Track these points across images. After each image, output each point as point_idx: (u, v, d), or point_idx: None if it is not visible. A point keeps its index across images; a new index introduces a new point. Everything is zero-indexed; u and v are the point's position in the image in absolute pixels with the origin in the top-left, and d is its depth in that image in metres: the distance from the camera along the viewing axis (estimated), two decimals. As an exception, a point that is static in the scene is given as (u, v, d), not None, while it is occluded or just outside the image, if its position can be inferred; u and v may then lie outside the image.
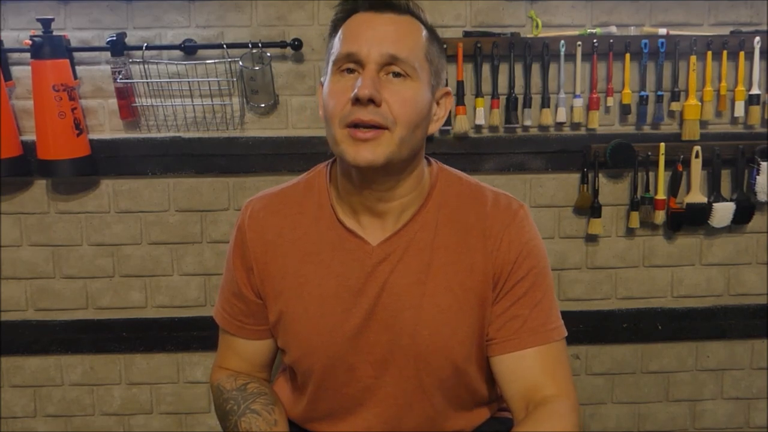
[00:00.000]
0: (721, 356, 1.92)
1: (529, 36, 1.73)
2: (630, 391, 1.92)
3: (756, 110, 1.77)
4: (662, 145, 1.76)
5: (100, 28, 1.71)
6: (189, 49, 1.70)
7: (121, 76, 1.69)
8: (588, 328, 1.87)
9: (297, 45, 1.70)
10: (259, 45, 1.68)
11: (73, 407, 1.87)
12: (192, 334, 1.83)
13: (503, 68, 1.74)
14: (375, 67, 0.95)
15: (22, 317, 1.83)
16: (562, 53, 1.72)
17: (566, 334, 1.07)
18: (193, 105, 1.74)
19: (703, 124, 1.79)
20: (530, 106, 1.75)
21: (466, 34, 1.73)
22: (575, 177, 1.81)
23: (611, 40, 1.72)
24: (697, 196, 1.79)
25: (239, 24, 1.72)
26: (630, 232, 1.84)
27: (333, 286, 1.05)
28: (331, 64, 0.99)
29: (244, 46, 1.68)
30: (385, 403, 1.07)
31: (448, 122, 1.73)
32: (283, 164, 1.77)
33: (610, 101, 1.76)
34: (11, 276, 1.81)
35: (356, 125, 0.94)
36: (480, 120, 1.74)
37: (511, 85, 1.74)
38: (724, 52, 1.74)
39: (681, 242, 1.86)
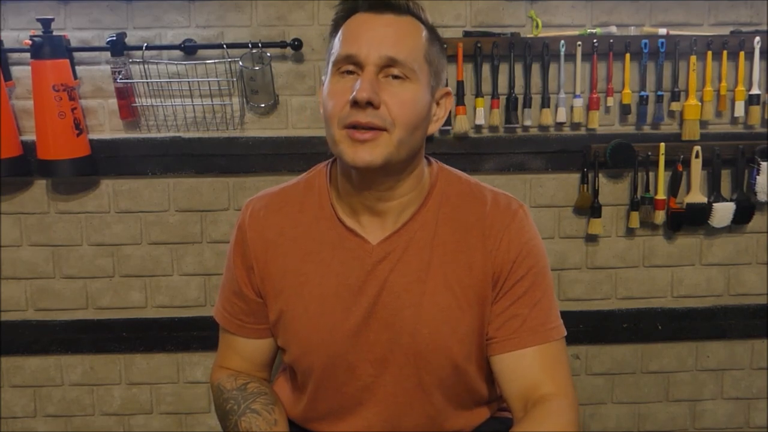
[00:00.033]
0: (721, 356, 1.92)
1: (529, 36, 1.73)
2: (630, 391, 1.92)
3: (756, 110, 1.77)
4: (662, 145, 1.76)
5: (100, 28, 1.71)
6: (189, 49, 1.70)
7: (121, 76, 1.69)
8: (588, 328, 1.87)
9: (297, 45, 1.70)
10: (259, 45, 1.68)
11: (73, 407, 1.87)
12: (192, 334, 1.83)
13: (503, 68, 1.74)
14: (374, 69, 0.95)
15: (22, 317, 1.83)
16: (562, 53, 1.72)
17: (565, 333, 1.07)
18: (193, 105, 1.74)
19: (703, 124, 1.79)
20: (530, 106, 1.75)
21: (466, 34, 1.73)
22: (575, 177, 1.81)
23: (611, 40, 1.72)
24: (697, 196, 1.79)
25: (239, 24, 1.72)
26: (630, 232, 1.84)
27: (333, 285, 1.05)
28: (331, 64, 1.00)
29: (244, 46, 1.68)
30: (385, 402, 1.07)
31: (448, 122, 1.73)
32: (283, 164, 1.77)
33: (610, 101, 1.76)
34: (11, 276, 1.81)
35: (355, 127, 0.95)
36: (480, 120, 1.74)
37: (511, 85, 1.74)
38: (724, 52, 1.74)
39: (681, 242, 1.86)
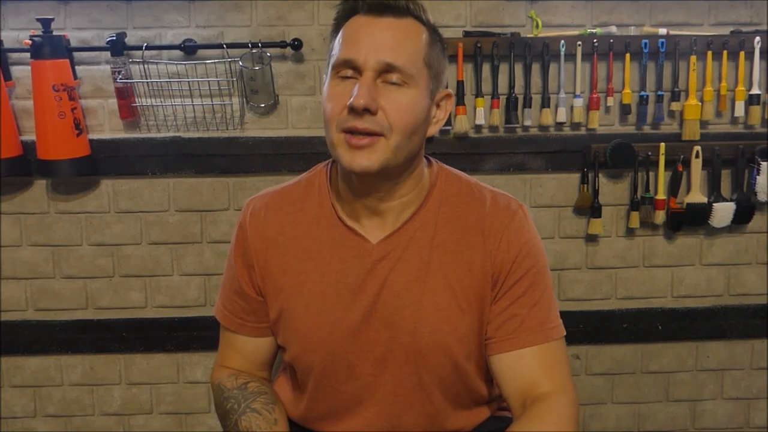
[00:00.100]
0: (721, 356, 1.92)
1: (529, 36, 1.73)
2: (630, 391, 1.92)
3: (756, 110, 1.77)
4: (662, 145, 1.76)
5: (100, 28, 1.72)
6: (189, 49, 1.70)
7: (121, 76, 1.69)
8: (588, 328, 1.87)
9: (297, 45, 1.70)
10: (259, 45, 1.68)
11: (73, 407, 1.87)
12: (192, 334, 1.83)
13: (503, 68, 1.74)
14: (372, 74, 0.95)
15: (22, 317, 1.83)
16: (562, 53, 1.72)
17: (565, 333, 1.07)
18: (193, 105, 1.74)
19: (703, 124, 1.79)
20: (530, 106, 1.75)
21: (466, 34, 1.73)
22: (575, 177, 1.81)
23: (611, 40, 1.72)
24: (697, 196, 1.79)
25: (239, 24, 1.72)
26: (630, 232, 1.84)
27: (333, 284, 1.05)
28: (330, 66, 1.00)
29: (244, 46, 1.68)
30: (385, 402, 1.08)
31: (448, 122, 1.73)
32: (283, 164, 1.77)
33: (610, 101, 1.76)
34: (11, 276, 1.81)
35: (352, 132, 0.95)
36: (480, 120, 1.74)
37: (511, 85, 1.74)
38: (724, 52, 1.74)
39: (681, 242, 1.86)
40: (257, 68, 1.71)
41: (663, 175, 1.77)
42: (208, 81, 1.72)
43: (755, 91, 1.76)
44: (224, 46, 1.69)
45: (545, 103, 1.74)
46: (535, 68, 1.75)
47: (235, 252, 1.12)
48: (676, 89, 1.76)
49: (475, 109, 1.74)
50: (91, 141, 1.72)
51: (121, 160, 1.76)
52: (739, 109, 1.77)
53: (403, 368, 1.06)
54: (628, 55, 1.73)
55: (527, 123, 1.75)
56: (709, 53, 1.74)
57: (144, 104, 1.74)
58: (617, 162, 1.75)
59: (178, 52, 1.71)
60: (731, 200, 1.80)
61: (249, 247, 1.10)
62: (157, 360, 1.86)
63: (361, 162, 0.95)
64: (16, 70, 1.73)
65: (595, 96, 1.75)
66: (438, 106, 1.05)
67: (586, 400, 1.92)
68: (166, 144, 1.76)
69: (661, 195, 1.79)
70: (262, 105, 1.75)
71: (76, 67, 1.71)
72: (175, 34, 1.72)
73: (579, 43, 1.71)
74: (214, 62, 1.72)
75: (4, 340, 1.82)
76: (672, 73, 1.76)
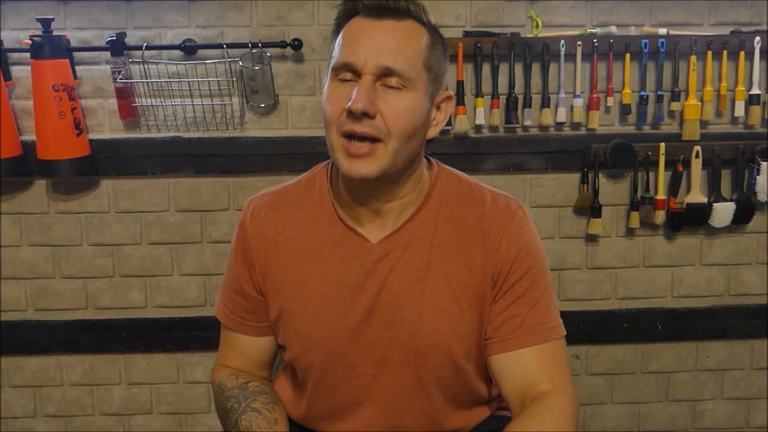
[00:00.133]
0: (721, 356, 1.92)
1: (529, 36, 1.73)
2: (630, 391, 1.92)
3: (756, 110, 1.77)
4: (662, 145, 1.76)
5: (100, 28, 1.72)
6: (189, 49, 1.70)
7: (121, 76, 1.69)
8: (588, 328, 1.87)
9: (297, 45, 1.70)
10: (259, 45, 1.68)
11: (73, 407, 1.87)
12: (192, 334, 1.83)
13: (503, 68, 1.74)
14: (371, 78, 0.95)
15: (22, 317, 1.83)
16: (562, 53, 1.72)
17: (565, 333, 1.07)
18: (193, 105, 1.74)
19: (703, 124, 1.79)
20: (530, 106, 1.75)
21: (466, 34, 1.73)
22: (575, 177, 1.81)
23: (611, 40, 1.72)
24: (697, 196, 1.79)
25: (239, 24, 1.72)
26: (630, 232, 1.84)
27: (333, 283, 1.06)
28: (330, 68, 1.00)
29: (244, 46, 1.68)
30: (385, 401, 1.08)
31: (448, 122, 1.73)
32: (283, 164, 1.77)
33: (610, 101, 1.76)
34: (11, 276, 1.81)
35: (350, 136, 0.95)
36: (480, 120, 1.74)
37: (511, 85, 1.74)
38: (724, 52, 1.74)
39: (681, 242, 1.86)
40: (257, 68, 1.71)
41: (663, 175, 1.77)
42: (208, 81, 1.72)
43: (755, 91, 1.76)
44: (224, 46, 1.69)
45: (545, 103, 1.74)
46: (535, 68, 1.75)
47: (236, 251, 1.12)
48: (676, 89, 1.76)
49: (475, 109, 1.74)
50: (91, 141, 1.72)
51: (121, 160, 1.76)
52: (739, 109, 1.77)
53: (403, 368, 1.06)
54: (628, 55, 1.73)
55: (527, 123, 1.75)
56: (709, 53, 1.74)
57: (144, 104, 1.74)
58: (617, 162, 1.75)
59: (178, 52, 1.71)
60: (731, 200, 1.80)
61: (249, 247, 1.10)
62: (157, 360, 1.86)
63: (360, 169, 0.96)
64: (16, 70, 1.73)
65: (595, 96, 1.75)
66: (438, 108, 1.05)
67: (586, 400, 1.92)
68: (166, 144, 1.76)
69: (661, 195, 1.79)
70: (262, 105, 1.75)
71: (76, 67, 1.71)
72: (175, 34, 1.72)
73: (579, 43, 1.71)
74: (214, 62, 1.72)
75: (4, 340, 1.82)
76: (672, 73, 1.76)
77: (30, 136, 1.71)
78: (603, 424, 1.94)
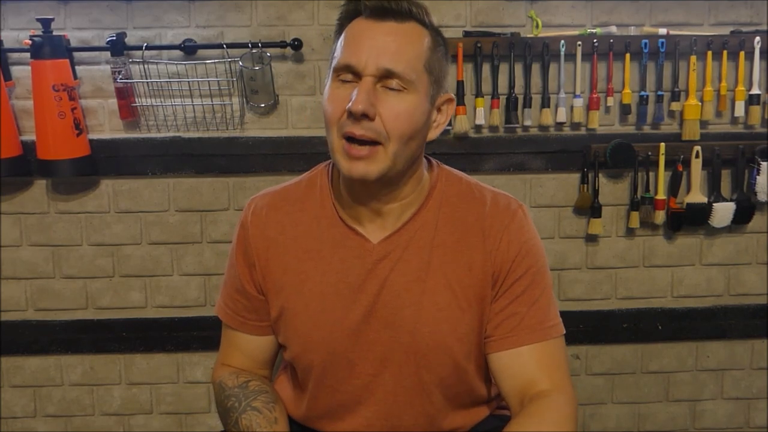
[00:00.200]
0: (721, 356, 1.92)
1: (529, 36, 1.73)
2: (630, 391, 1.92)
3: (756, 110, 1.77)
4: (662, 145, 1.76)
5: (100, 28, 1.72)
6: (189, 49, 1.70)
7: (121, 76, 1.69)
8: (588, 328, 1.87)
9: (297, 45, 1.70)
10: (259, 45, 1.68)
11: (73, 407, 1.87)
12: (192, 334, 1.83)
13: (503, 68, 1.74)
14: (371, 80, 0.95)
15: (22, 317, 1.83)
16: (562, 53, 1.72)
17: (564, 331, 1.07)
18: (193, 105, 1.74)
19: (703, 124, 1.79)
20: (530, 106, 1.75)
21: (466, 34, 1.73)
22: (575, 177, 1.81)
23: (611, 40, 1.72)
24: (697, 196, 1.79)
25: (239, 24, 1.73)
26: (630, 232, 1.84)
27: (333, 283, 1.06)
28: (331, 69, 1.00)
29: (244, 46, 1.68)
30: (385, 401, 1.08)
31: (448, 122, 1.73)
32: (283, 164, 1.77)
33: (610, 101, 1.76)
34: (11, 276, 1.81)
35: (350, 139, 0.96)
36: (480, 120, 1.74)
37: (511, 85, 1.74)
38: (724, 52, 1.74)
39: (681, 242, 1.86)
40: (257, 68, 1.71)
41: (663, 175, 1.77)
42: (208, 81, 1.73)
43: (755, 91, 1.76)
44: (224, 46, 1.69)
45: (545, 103, 1.74)
46: (535, 68, 1.75)
47: (237, 250, 1.12)
48: (676, 89, 1.76)
49: (475, 109, 1.74)
50: (91, 141, 1.72)
51: (121, 160, 1.76)
52: (739, 109, 1.77)
53: (403, 368, 1.06)
54: (628, 55, 1.73)
55: (527, 123, 1.75)
56: (709, 53, 1.74)
57: (144, 104, 1.74)
58: (617, 162, 1.75)
59: (178, 52, 1.71)
60: (731, 200, 1.80)
61: (250, 246, 1.10)
62: (157, 360, 1.86)
63: (359, 170, 0.96)
64: (16, 70, 1.73)
65: (595, 96, 1.75)
66: (439, 110, 1.05)
67: (586, 400, 1.92)
68: (166, 144, 1.76)
69: (661, 195, 1.79)
70: (262, 105, 1.75)
71: (76, 67, 1.72)
72: (175, 34, 1.72)
73: (579, 43, 1.71)
74: (214, 62, 1.72)
75: (4, 340, 1.82)
76: (672, 73, 1.76)
77: (30, 136, 1.71)
78: (603, 424, 1.94)
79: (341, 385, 1.08)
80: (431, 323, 1.04)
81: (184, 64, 1.71)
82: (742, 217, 1.80)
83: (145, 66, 1.70)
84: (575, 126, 1.79)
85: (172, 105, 1.74)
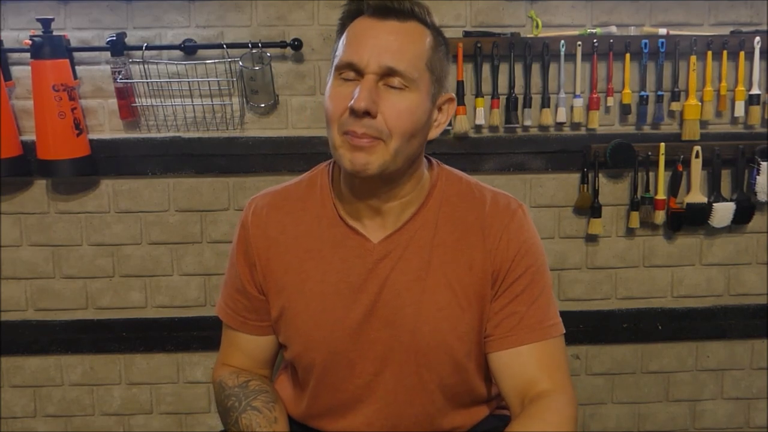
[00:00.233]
0: (721, 356, 1.92)
1: (529, 36, 1.73)
2: (630, 391, 1.93)
3: (756, 110, 1.77)
4: (662, 145, 1.76)
5: (100, 28, 1.72)
6: (189, 49, 1.70)
7: (121, 76, 1.69)
8: (588, 328, 1.87)
9: (297, 45, 1.70)
10: (259, 45, 1.68)
11: (73, 407, 1.87)
12: (192, 334, 1.83)
13: (503, 68, 1.74)
14: (373, 78, 0.95)
15: (22, 317, 1.83)
16: (562, 53, 1.72)
17: (564, 331, 1.07)
18: (193, 105, 1.74)
19: (703, 124, 1.79)
20: (530, 106, 1.75)
21: (466, 34, 1.73)
22: (575, 177, 1.81)
23: (611, 40, 1.72)
24: (697, 196, 1.79)
25: (239, 24, 1.73)
26: (630, 232, 1.84)
27: (334, 282, 1.06)
28: (333, 67, 1.00)
29: (244, 46, 1.68)
30: (385, 400, 1.08)
31: (448, 122, 1.73)
32: (283, 164, 1.77)
33: (610, 101, 1.76)
34: (11, 276, 1.81)
35: (352, 135, 0.96)
36: (480, 120, 1.74)
37: (511, 85, 1.74)
38: (724, 52, 1.74)
39: (681, 242, 1.86)
40: (257, 68, 1.71)
41: (663, 175, 1.77)
42: (208, 81, 1.73)
43: (755, 91, 1.76)
44: (224, 46, 1.69)
45: (545, 103, 1.74)
46: (535, 68, 1.75)
47: (237, 250, 1.12)
48: (676, 89, 1.76)
49: (475, 109, 1.74)
50: (91, 141, 1.72)
51: (121, 160, 1.76)
52: (739, 109, 1.77)
53: (404, 367, 1.06)
54: (628, 55, 1.73)
55: (527, 123, 1.76)
56: (709, 53, 1.74)
57: (144, 104, 1.74)
58: (617, 162, 1.75)
59: (178, 52, 1.71)
60: (731, 200, 1.80)
61: (251, 246, 1.10)
62: (157, 360, 1.86)
63: (360, 161, 0.96)
64: (16, 70, 1.73)
65: (595, 96, 1.75)
66: (440, 109, 1.05)
67: (586, 400, 1.92)
68: (166, 144, 1.76)
69: (661, 195, 1.79)
70: (262, 105, 1.75)
71: (76, 67, 1.72)
72: (175, 34, 1.72)
73: (579, 43, 1.71)
74: (214, 62, 1.72)
75: (4, 340, 1.82)
76: (672, 73, 1.76)
77: (30, 136, 1.71)
78: (603, 424, 1.94)
79: (342, 384, 1.08)
80: (431, 322, 1.04)
81: (184, 64, 1.71)
82: (742, 217, 1.80)
83: (145, 66, 1.70)
84: (575, 126, 1.79)
85: (172, 105, 1.74)
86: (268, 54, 1.70)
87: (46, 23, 1.61)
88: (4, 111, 1.65)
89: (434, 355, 1.05)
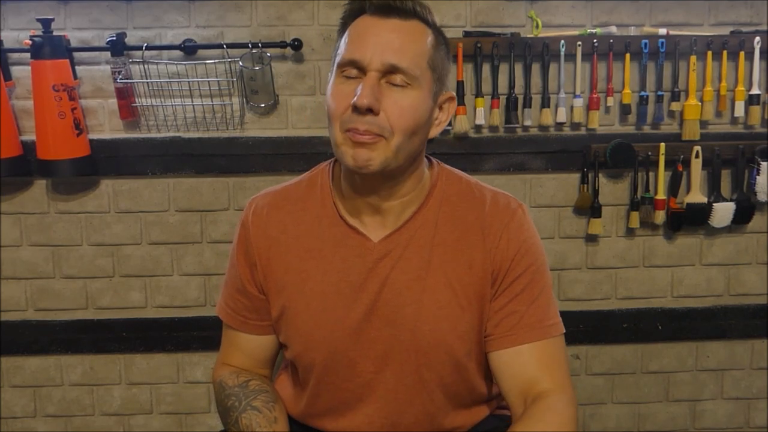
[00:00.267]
0: (721, 356, 1.92)
1: (529, 36, 1.73)
2: (630, 391, 1.93)
3: (756, 110, 1.77)
4: (662, 145, 1.76)
5: (100, 28, 1.72)
6: (189, 49, 1.70)
7: (121, 76, 1.69)
8: (588, 328, 1.87)
9: (297, 45, 1.70)
10: (259, 45, 1.68)
11: (73, 407, 1.87)
12: (192, 334, 1.83)
13: (503, 68, 1.74)
14: (376, 75, 0.96)
15: (22, 317, 1.83)
16: (562, 53, 1.72)
17: (564, 330, 1.07)
18: (193, 105, 1.74)
19: (703, 124, 1.80)
20: (530, 106, 1.75)
21: (466, 34, 1.73)
22: (575, 177, 1.81)
23: (611, 40, 1.72)
24: (697, 196, 1.79)
25: (239, 24, 1.73)
26: (630, 232, 1.84)
27: (334, 282, 1.06)
28: (335, 65, 1.00)
29: (244, 46, 1.68)
30: (385, 399, 1.08)
31: (448, 122, 1.73)
32: (283, 164, 1.77)
33: (610, 101, 1.76)
34: (11, 276, 1.81)
35: (354, 132, 0.96)
36: (480, 120, 1.74)
37: (511, 85, 1.74)
38: (724, 52, 1.74)
39: (681, 242, 1.86)
40: (257, 68, 1.71)
41: (663, 175, 1.77)
42: (208, 81, 1.73)
43: (755, 91, 1.76)
44: (224, 46, 1.69)
45: (545, 103, 1.74)
46: (535, 68, 1.75)
47: (238, 250, 1.12)
48: (676, 89, 1.76)
49: (475, 109, 1.74)
50: (91, 141, 1.72)
51: (121, 160, 1.76)
52: (739, 109, 1.77)
53: (404, 366, 1.06)
54: (628, 55, 1.73)
55: (527, 123, 1.76)
56: (709, 53, 1.74)
57: (144, 104, 1.74)
58: (617, 162, 1.75)
59: (178, 52, 1.71)
60: (731, 200, 1.80)
61: (251, 246, 1.10)
62: (157, 360, 1.86)
63: (362, 157, 0.96)
64: (16, 70, 1.73)
65: (595, 96, 1.75)
66: (440, 108, 1.06)
67: (586, 400, 1.92)
68: (166, 144, 1.76)
69: (661, 195, 1.79)
70: (262, 105, 1.75)
71: (76, 67, 1.72)
72: (175, 34, 1.72)
73: (579, 43, 1.71)
74: (214, 62, 1.72)
75: (4, 340, 1.82)
76: (672, 73, 1.76)
77: (30, 136, 1.71)
78: (603, 424, 1.94)
79: (343, 383, 1.08)
80: (432, 321, 1.04)
81: (184, 64, 1.72)
82: (742, 217, 1.80)
83: (145, 66, 1.70)
84: (575, 126, 1.79)
85: (172, 105, 1.74)
86: (268, 54, 1.70)
87: (46, 23, 1.61)
88: (4, 111, 1.65)
89: (434, 354, 1.05)
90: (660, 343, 1.90)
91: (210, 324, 1.78)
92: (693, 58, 1.74)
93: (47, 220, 1.79)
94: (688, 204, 1.79)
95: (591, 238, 1.84)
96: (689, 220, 1.80)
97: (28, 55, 1.63)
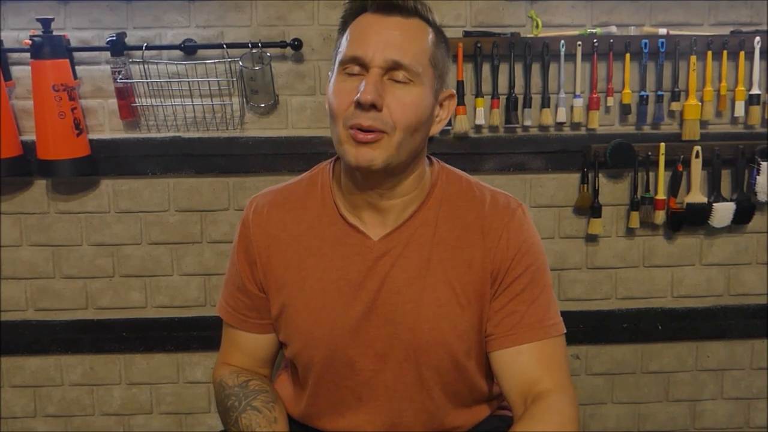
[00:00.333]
0: (721, 356, 1.92)
1: (529, 36, 1.73)
2: (630, 391, 1.93)
3: (756, 110, 1.77)
4: (662, 145, 1.76)
5: (100, 28, 1.72)
6: (189, 49, 1.70)
7: (121, 76, 1.69)
8: (588, 328, 1.87)
9: (297, 45, 1.70)
10: (259, 45, 1.68)
11: (73, 407, 1.87)
12: (192, 334, 1.84)
13: (503, 68, 1.74)
14: (379, 72, 0.96)
15: (22, 317, 1.83)
16: (562, 53, 1.72)
17: (564, 330, 1.07)
18: (193, 105, 1.74)
19: (703, 124, 1.80)
20: (530, 106, 1.75)
21: (466, 34, 1.73)
22: (575, 177, 1.81)
23: (611, 40, 1.72)
24: (697, 196, 1.79)
25: (239, 24, 1.73)
26: (630, 232, 1.84)
27: (334, 280, 1.06)
28: (337, 63, 1.01)
29: (244, 46, 1.68)
30: (385, 398, 1.08)
31: (448, 122, 1.73)
32: (283, 164, 1.77)
33: (610, 101, 1.76)
34: (11, 276, 1.81)
35: (357, 129, 0.96)
36: (480, 120, 1.74)
37: (511, 85, 1.74)
38: (724, 52, 1.74)
39: (681, 242, 1.86)
40: (257, 68, 1.71)
41: (663, 175, 1.77)
42: (208, 81, 1.73)
43: (755, 91, 1.76)
44: (224, 46, 1.69)
45: (545, 103, 1.74)
46: (535, 68, 1.75)
47: (238, 249, 1.13)
48: (676, 89, 1.76)
49: (475, 109, 1.74)
50: (91, 141, 1.72)
51: (121, 160, 1.76)
52: (739, 109, 1.77)
53: (404, 364, 1.06)
54: (628, 55, 1.73)
55: (527, 123, 1.76)
56: (709, 53, 1.74)
57: (144, 104, 1.74)
58: (617, 162, 1.75)
59: (178, 52, 1.72)
60: (731, 200, 1.80)
61: (252, 244, 1.10)
62: (157, 360, 1.86)
63: (365, 156, 0.96)
64: (16, 70, 1.73)
65: (595, 96, 1.75)
66: (441, 105, 1.06)
67: (586, 400, 1.92)
68: (166, 144, 1.76)
69: (661, 195, 1.79)
70: (262, 105, 1.75)
71: (76, 67, 1.72)
72: (175, 34, 1.72)
73: (579, 43, 1.72)
74: (214, 62, 1.72)
75: (4, 340, 1.82)
76: (672, 73, 1.76)
77: (30, 136, 1.71)
78: (603, 424, 1.94)
79: (342, 382, 1.09)
80: (431, 320, 1.04)
81: (184, 64, 1.72)
82: (742, 217, 1.80)
83: (145, 66, 1.70)
84: (575, 126, 1.79)
85: (172, 105, 1.74)
86: (268, 54, 1.70)
87: (46, 23, 1.61)
88: (4, 111, 1.65)
89: (434, 352, 1.05)
90: (660, 343, 1.90)
91: (210, 324, 1.79)
92: (693, 58, 1.74)
93: (47, 220, 1.79)
94: (688, 204, 1.79)
95: (591, 238, 1.84)
96: (689, 220, 1.80)
97: (28, 55, 1.63)
